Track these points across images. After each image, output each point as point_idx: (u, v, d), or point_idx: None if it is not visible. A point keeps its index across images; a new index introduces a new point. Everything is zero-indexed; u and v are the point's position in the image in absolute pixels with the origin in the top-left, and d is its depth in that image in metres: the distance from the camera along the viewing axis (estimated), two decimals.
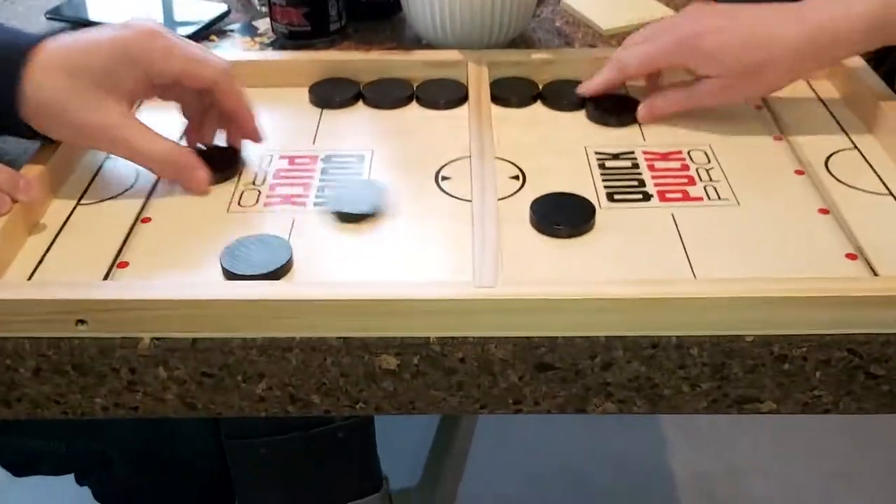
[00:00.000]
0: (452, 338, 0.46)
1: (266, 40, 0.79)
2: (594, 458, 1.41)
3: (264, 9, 0.82)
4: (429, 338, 0.46)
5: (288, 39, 0.76)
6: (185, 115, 0.60)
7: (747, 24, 0.60)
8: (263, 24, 0.81)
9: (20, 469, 0.74)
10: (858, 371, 0.47)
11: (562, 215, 0.53)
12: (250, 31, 0.81)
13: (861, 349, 0.46)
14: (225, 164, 0.59)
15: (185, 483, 0.75)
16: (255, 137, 0.60)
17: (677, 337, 0.46)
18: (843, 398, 0.48)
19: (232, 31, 0.81)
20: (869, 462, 1.41)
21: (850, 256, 0.51)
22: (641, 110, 0.64)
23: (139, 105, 0.66)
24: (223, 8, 0.82)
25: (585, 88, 0.66)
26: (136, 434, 0.61)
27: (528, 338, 0.46)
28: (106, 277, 0.50)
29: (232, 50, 0.78)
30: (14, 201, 0.52)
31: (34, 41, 0.53)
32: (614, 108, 0.65)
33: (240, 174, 0.59)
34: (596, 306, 0.46)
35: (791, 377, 0.47)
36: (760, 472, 1.39)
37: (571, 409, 0.49)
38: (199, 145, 0.61)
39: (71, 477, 0.79)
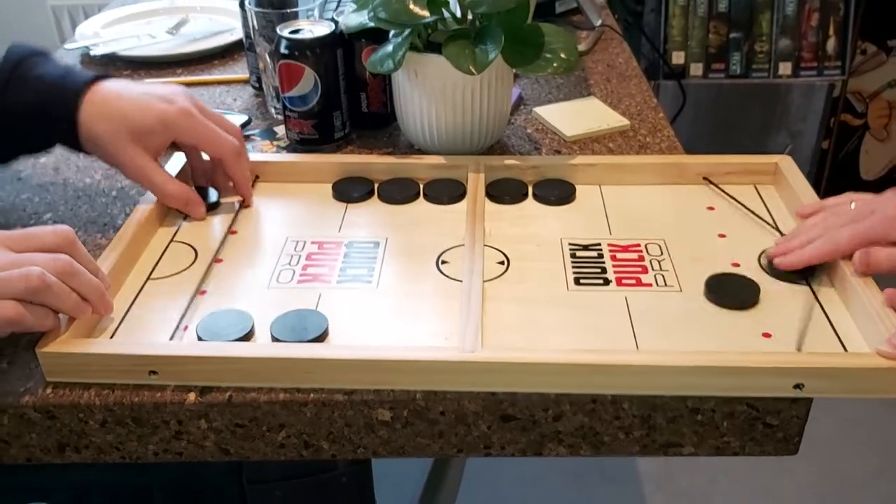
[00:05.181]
0: (434, 393, 0.58)
1: (283, 143, 0.91)
2: None
3: (279, 116, 0.95)
4: (415, 394, 0.58)
5: (299, 144, 0.88)
6: (191, 163, 0.80)
7: None
8: (282, 130, 0.93)
9: None
10: (757, 422, 0.58)
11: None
12: (270, 135, 0.93)
13: (757, 404, 0.57)
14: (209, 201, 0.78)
15: None
16: (247, 200, 0.79)
17: (612, 395, 0.58)
18: (747, 443, 0.59)
19: (254, 135, 0.93)
20: None
21: (766, 335, 0.61)
22: (858, 258, 0.63)
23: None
24: (245, 118, 0.95)
25: (791, 261, 0.66)
26: (174, 470, 0.70)
27: (493, 393, 0.58)
28: (171, 338, 0.62)
29: (256, 153, 0.90)
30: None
31: (92, 77, 0.73)
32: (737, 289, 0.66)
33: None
34: (552, 370, 0.57)
35: (704, 426, 0.58)
36: None
37: (531, 453, 0.60)
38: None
39: None
